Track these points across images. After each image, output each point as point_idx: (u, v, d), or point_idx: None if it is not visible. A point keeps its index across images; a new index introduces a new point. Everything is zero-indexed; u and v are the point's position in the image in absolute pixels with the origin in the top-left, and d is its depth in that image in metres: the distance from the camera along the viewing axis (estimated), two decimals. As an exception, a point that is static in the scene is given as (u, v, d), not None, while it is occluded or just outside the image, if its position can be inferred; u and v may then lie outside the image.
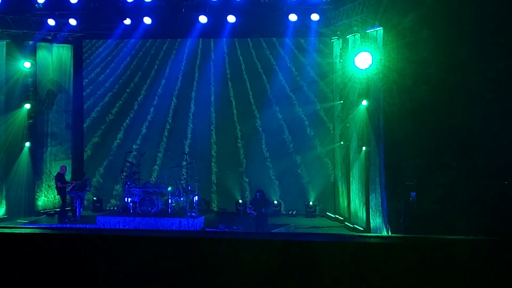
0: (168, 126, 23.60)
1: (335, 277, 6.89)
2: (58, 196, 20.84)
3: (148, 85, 23.83)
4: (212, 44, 23.57)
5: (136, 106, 23.77)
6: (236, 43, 23.43)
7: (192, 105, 23.59)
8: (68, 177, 21.54)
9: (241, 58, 23.47)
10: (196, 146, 23.15)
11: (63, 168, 21.01)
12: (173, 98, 23.67)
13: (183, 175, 20.21)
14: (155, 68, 23.91)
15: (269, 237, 9.37)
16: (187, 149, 22.77)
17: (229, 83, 23.38)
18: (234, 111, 23.21)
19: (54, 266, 7.33)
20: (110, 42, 23.50)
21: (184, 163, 20.73)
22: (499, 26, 15.97)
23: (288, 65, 23.01)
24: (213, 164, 23.13)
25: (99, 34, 22.67)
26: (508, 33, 15.95)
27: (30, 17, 20.66)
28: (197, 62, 23.70)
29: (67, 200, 20.84)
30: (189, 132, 23.41)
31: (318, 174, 22.44)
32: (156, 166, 23.13)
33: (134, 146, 23.26)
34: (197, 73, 23.63)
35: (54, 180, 20.91)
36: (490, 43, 16.10)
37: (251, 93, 23.21)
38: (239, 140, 23.06)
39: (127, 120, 23.74)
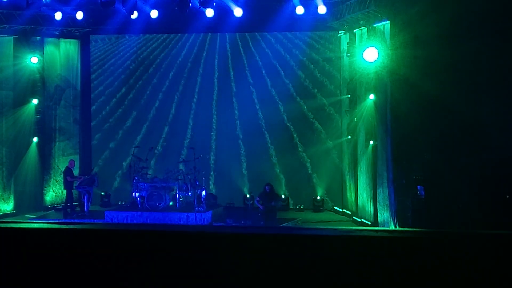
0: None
1: (343, 271, 6.90)
2: (65, 190, 20.94)
3: (158, 79, 23.78)
4: (228, 39, 23.43)
5: (143, 101, 23.75)
6: (247, 36, 23.33)
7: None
8: (76, 172, 21.61)
9: (254, 52, 23.39)
10: (208, 141, 23.14)
11: (72, 162, 21.13)
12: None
13: (191, 169, 20.19)
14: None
15: (277, 231, 9.38)
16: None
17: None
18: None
19: (61, 260, 7.36)
20: (117, 36, 23.50)
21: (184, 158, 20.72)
22: (508, 20, 15.89)
23: (289, 59, 22.96)
24: (221, 158, 23.10)
25: (106, 29, 22.65)
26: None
27: (37, 12, 20.68)
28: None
29: (73, 195, 20.95)
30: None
31: (326, 169, 22.40)
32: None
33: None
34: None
35: (62, 175, 21.00)
36: (499, 36, 16.03)
37: (254, 90, 23.16)
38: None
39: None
